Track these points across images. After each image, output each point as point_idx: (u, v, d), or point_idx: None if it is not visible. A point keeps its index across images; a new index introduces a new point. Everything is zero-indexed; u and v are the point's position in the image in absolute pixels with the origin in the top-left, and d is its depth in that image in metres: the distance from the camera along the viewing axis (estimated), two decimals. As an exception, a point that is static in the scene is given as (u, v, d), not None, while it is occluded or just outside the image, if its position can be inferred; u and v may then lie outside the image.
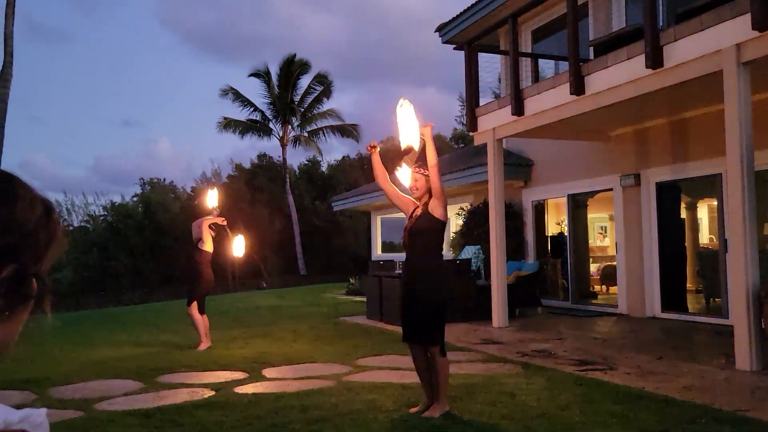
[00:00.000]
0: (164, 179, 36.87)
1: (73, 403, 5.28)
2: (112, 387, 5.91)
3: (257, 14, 71.69)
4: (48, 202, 0.80)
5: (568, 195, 12.19)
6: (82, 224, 37.42)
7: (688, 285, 10.86)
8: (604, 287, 13.88)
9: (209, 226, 8.00)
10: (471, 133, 10.59)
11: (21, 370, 6.83)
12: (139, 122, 69.72)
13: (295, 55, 30.84)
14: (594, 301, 12.36)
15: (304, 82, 31.41)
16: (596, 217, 15.40)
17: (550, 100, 8.64)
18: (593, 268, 14.06)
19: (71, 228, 37.51)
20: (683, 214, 11.38)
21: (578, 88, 7.96)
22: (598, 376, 5.89)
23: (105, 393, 5.65)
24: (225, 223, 8.02)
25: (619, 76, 7.49)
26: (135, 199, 35.36)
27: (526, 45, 12.60)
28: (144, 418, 4.68)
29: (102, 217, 35.42)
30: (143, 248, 29.64)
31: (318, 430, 4.26)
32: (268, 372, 6.51)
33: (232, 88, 30.91)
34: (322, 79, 31.44)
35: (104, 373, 6.56)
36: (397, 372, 6.23)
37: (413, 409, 4.75)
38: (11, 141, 62.46)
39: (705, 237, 14.12)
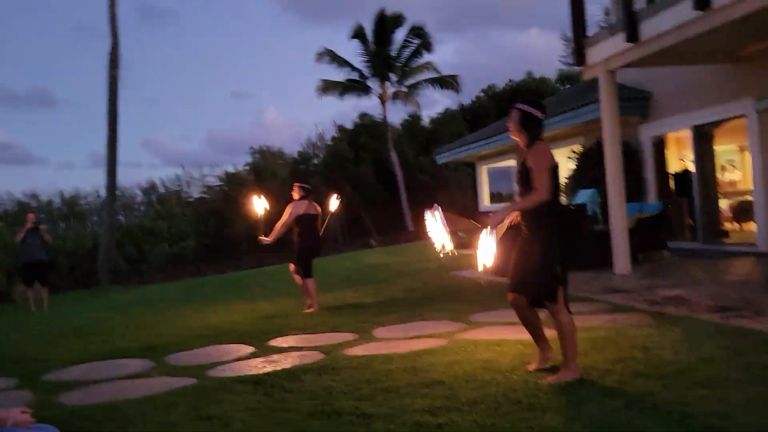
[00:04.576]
0: (273, 146, 37.82)
1: (186, 370, 5.32)
2: (225, 352, 5.93)
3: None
4: None
5: (693, 126, 11.10)
6: (201, 195, 39.23)
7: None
8: (737, 225, 12.72)
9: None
10: (578, 67, 9.77)
11: (141, 338, 7.06)
12: (248, 93, 71.58)
13: (384, 9, 30.28)
14: (726, 240, 11.33)
15: (399, 36, 30.84)
16: (723, 149, 14.07)
17: (670, 20, 7.71)
18: (723, 204, 12.90)
19: (192, 199, 39.41)
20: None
21: (703, 1, 7.02)
22: (744, 323, 5.23)
23: (218, 359, 5.66)
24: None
25: (753, -18, 6.50)
26: (246, 167, 36.55)
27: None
28: (254, 384, 4.59)
29: (218, 187, 36.97)
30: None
31: (430, 394, 3.97)
32: (378, 332, 6.32)
33: (328, 50, 30.82)
34: (417, 32, 30.70)
35: (219, 338, 6.62)
36: (513, 327, 5.83)
37: (531, 367, 4.37)
38: (133, 121, 65.93)
39: None
